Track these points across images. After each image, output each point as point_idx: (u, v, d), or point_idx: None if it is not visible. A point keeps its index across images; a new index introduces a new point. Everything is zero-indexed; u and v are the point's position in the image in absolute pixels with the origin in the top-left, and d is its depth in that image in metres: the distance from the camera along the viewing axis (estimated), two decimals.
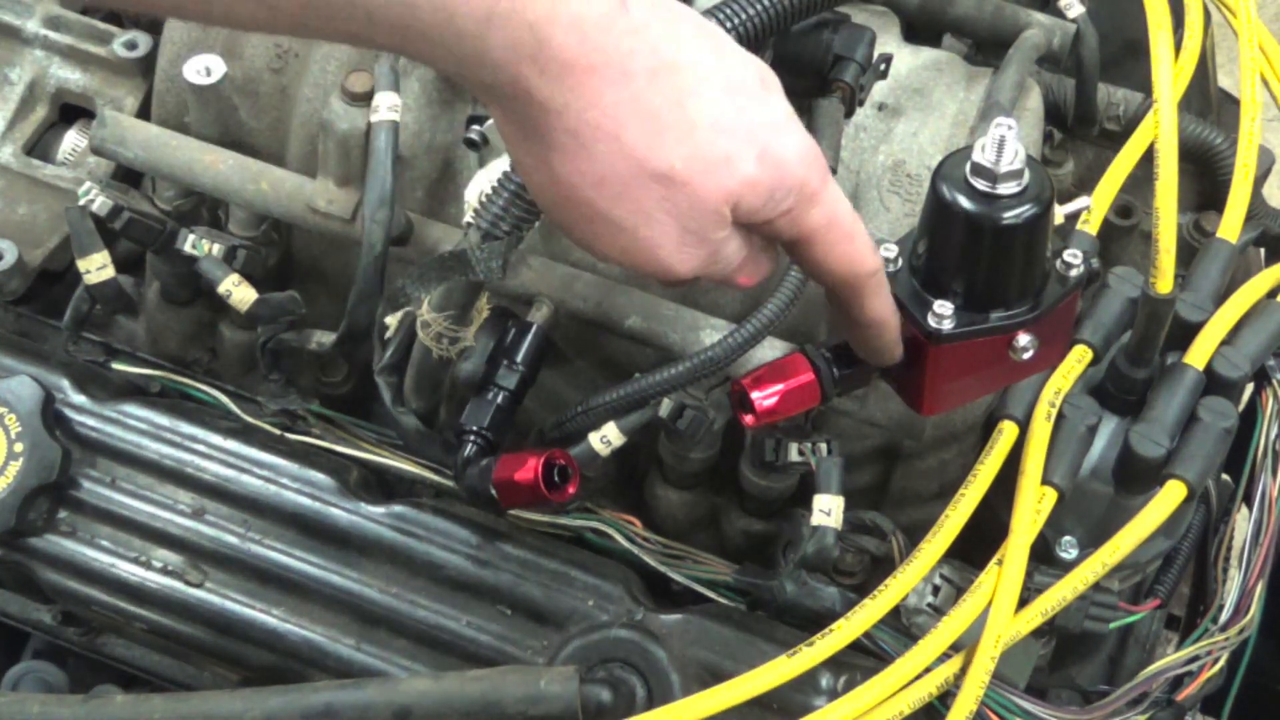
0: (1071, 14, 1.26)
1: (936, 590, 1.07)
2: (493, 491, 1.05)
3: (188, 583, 1.12)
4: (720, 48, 0.87)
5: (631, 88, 0.81)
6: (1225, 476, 1.24)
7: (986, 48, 1.29)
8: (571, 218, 0.87)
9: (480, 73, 0.80)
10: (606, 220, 0.85)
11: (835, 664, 1.03)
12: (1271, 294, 1.16)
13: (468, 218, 1.05)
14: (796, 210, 0.87)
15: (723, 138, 0.84)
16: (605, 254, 0.88)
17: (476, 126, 1.11)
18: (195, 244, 1.17)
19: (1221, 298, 1.14)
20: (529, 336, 1.10)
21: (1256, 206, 1.29)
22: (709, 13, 1.05)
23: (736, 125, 0.85)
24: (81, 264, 1.18)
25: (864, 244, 0.90)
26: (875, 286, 0.91)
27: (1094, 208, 1.18)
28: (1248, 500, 1.16)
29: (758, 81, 0.87)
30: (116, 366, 1.23)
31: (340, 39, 0.85)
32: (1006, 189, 0.89)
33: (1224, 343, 1.11)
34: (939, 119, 1.16)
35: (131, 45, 1.32)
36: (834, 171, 1.10)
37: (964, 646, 1.00)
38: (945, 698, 1.00)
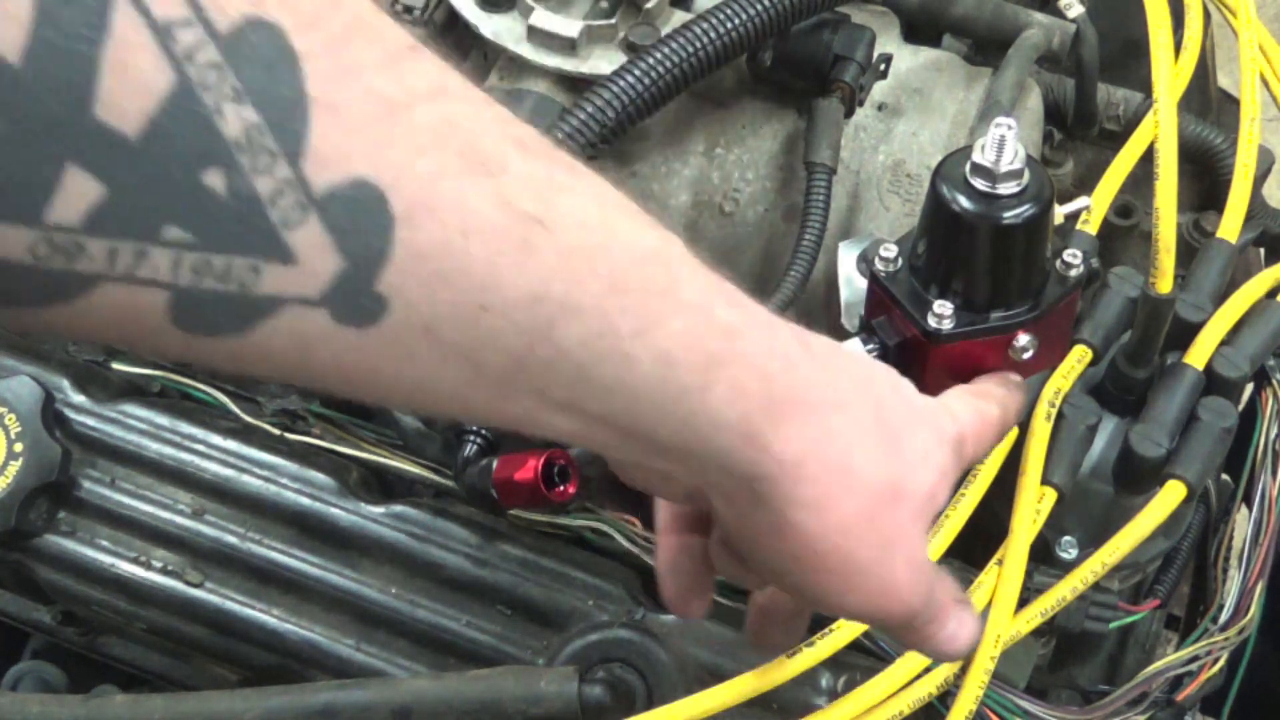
0: (1071, 14, 1.26)
1: None
2: (493, 491, 1.05)
3: (187, 583, 1.12)
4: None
5: (848, 413, 0.72)
6: (1225, 476, 1.24)
7: (986, 48, 1.29)
8: (813, 573, 0.74)
9: (699, 434, 0.67)
10: (853, 565, 0.74)
11: (835, 664, 1.03)
12: (1271, 294, 1.16)
13: None
14: None
15: (917, 436, 0.77)
16: (839, 605, 0.78)
17: None
18: None
19: (1221, 298, 1.14)
20: None
21: (1256, 206, 1.29)
22: (709, 13, 1.05)
23: (920, 427, 0.78)
24: None
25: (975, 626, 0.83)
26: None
27: (1094, 208, 1.17)
28: (1248, 500, 1.16)
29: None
30: (116, 366, 1.23)
31: (538, 410, 0.64)
32: (1006, 189, 0.89)
33: (1224, 343, 1.11)
34: (939, 119, 1.16)
35: None
36: (834, 171, 1.10)
37: None
38: (945, 698, 1.00)
